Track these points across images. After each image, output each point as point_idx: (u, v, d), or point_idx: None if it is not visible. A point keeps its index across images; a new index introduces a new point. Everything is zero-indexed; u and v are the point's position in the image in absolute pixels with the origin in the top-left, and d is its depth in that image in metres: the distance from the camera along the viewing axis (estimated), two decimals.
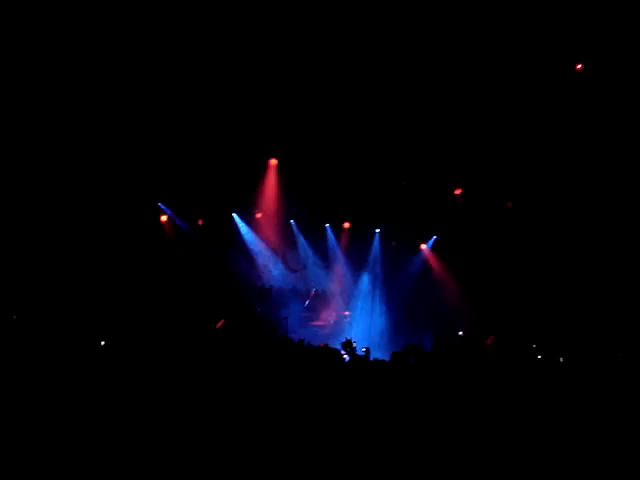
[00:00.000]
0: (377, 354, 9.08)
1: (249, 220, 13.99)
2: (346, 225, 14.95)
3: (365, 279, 14.75)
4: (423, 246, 14.90)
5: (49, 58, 9.86)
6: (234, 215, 13.94)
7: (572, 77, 11.00)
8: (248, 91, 11.05)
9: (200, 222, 13.53)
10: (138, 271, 11.85)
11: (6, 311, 8.63)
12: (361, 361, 6.96)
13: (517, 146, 12.05)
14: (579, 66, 10.99)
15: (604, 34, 9.93)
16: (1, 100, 9.91)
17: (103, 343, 7.38)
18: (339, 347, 7.96)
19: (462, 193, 14.23)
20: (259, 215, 13.97)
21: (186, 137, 11.70)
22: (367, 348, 8.72)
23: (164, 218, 13.29)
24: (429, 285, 14.32)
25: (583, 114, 11.13)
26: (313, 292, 13.53)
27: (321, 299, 13.78)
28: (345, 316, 13.77)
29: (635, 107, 10.55)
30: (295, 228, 14.51)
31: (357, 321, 13.60)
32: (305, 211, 13.68)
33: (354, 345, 8.30)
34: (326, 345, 6.98)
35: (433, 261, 14.72)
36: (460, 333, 9.21)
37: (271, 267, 13.88)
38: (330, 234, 14.87)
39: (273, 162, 13.36)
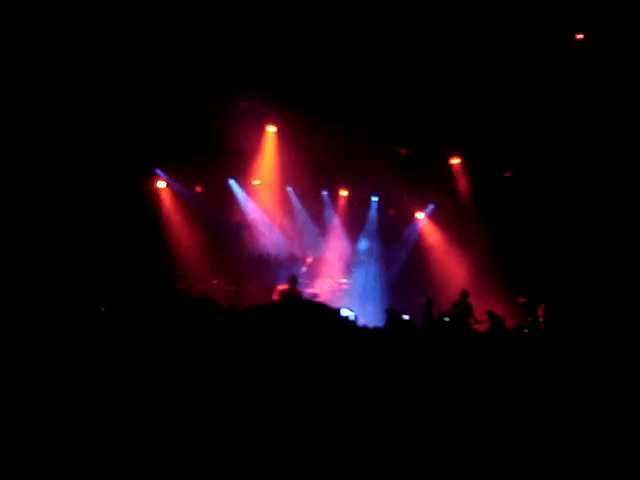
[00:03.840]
0: (371, 323, 9.20)
1: (246, 188, 13.90)
2: (343, 193, 14.92)
3: (362, 247, 14.81)
4: (420, 215, 14.93)
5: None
6: (231, 182, 13.86)
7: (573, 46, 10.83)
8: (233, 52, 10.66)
9: (199, 189, 13.43)
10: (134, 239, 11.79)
11: None
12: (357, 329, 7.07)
13: (517, 115, 11.93)
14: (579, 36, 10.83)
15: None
16: None
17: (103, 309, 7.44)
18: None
19: (460, 162, 14.19)
20: (257, 182, 13.87)
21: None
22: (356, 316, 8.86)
23: (162, 185, 13.19)
24: (425, 254, 14.41)
25: (584, 85, 10.99)
26: (309, 259, 13.57)
27: (317, 267, 13.83)
28: (341, 284, 13.85)
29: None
30: (292, 195, 14.47)
31: (353, 289, 13.69)
32: (302, 178, 13.61)
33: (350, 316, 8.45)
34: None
35: (430, 230, 14.79)
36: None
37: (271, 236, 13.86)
38: (327, 201, 14.86)
39: (271, 129, 13.18)
